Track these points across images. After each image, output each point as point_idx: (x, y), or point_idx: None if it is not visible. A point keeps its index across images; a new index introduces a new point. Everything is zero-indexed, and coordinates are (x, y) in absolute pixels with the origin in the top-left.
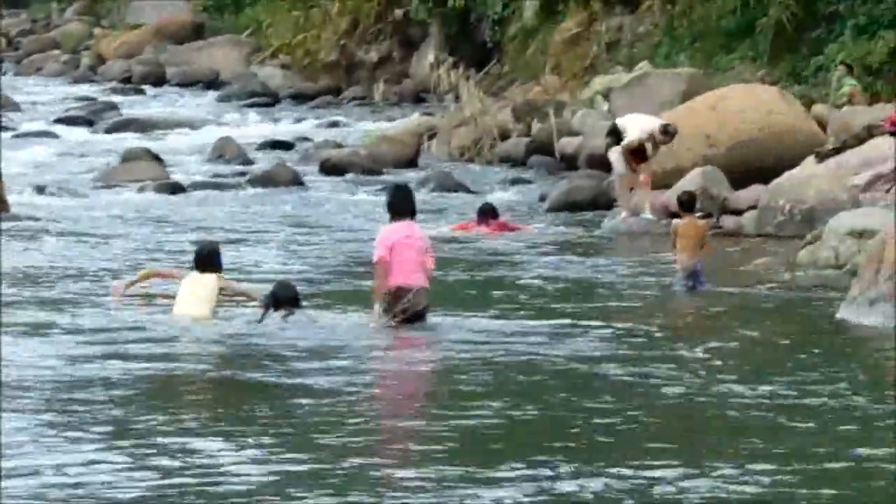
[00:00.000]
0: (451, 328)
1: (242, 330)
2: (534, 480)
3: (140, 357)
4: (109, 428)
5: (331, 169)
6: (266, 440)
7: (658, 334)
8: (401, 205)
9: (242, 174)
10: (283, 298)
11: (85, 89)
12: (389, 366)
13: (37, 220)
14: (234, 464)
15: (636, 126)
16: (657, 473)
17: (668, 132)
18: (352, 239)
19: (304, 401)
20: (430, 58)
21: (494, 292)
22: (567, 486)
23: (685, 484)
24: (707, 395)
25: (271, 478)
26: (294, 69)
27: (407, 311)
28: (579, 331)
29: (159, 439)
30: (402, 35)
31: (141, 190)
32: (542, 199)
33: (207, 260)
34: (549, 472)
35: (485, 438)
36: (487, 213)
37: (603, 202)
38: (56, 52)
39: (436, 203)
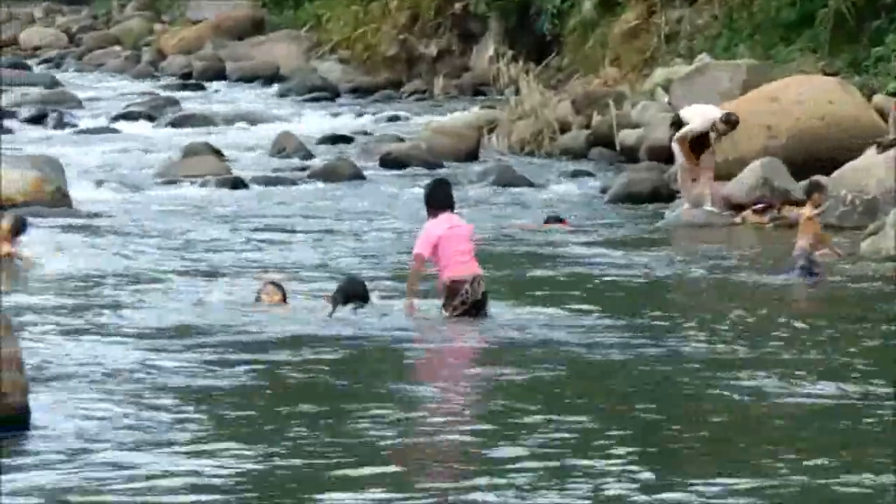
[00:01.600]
0: (518, 321)
1: (317, 326)
2: (605, 485)
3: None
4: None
5: (391, 163)
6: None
7: (724, 330)
8: (440, 199)
9: (303, 168)
10: (352, 293)
11: (145, 85)
12: (458, 359)
13: (98, 215)
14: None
15: (698, 115)
16: (726, 482)
17: (729, 121)
18: (413, 232)
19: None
20: (490, 51)
21: (560, 288)
22: (639, 495)
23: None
24: (765, 398)
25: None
26: (354, 63)
27: (466, 304)
28: (649, 328)
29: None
30: (462, 28)
31: (202, 185)
32: (603, 191)
33: None
34: (624, 476)
35: (566, 441)
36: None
37: (663, 194)
38: (117, 48)
39: (496, 196)
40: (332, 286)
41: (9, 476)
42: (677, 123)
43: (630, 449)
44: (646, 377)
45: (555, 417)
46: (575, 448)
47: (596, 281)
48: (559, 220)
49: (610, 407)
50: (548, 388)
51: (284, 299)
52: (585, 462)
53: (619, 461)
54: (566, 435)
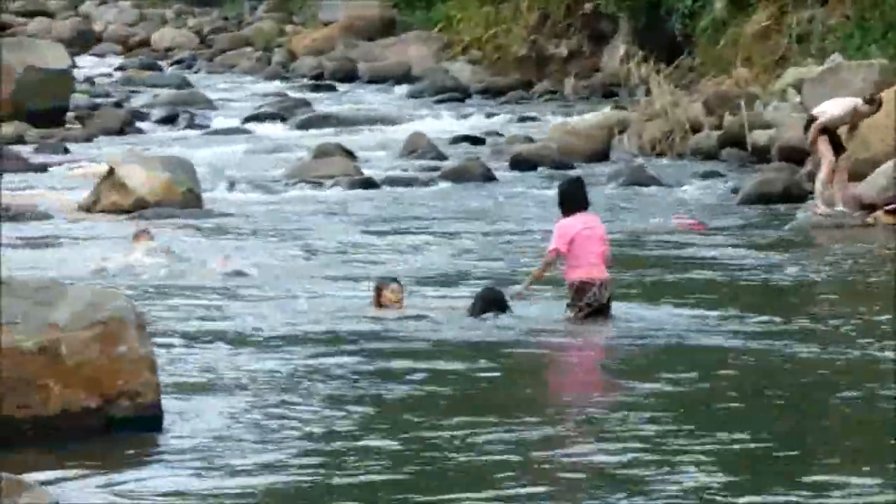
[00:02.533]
0: (654, 325)
1: (454, 333)
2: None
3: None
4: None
5: (522, 163)
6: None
7: (862, 333)
8: (575, 199)
9: (434, 169)
10: (491, 301)
11: (277, 86)
12: (601, 368)
13: (229, 216)
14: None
15: (836, 104)
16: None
17: (873, 101)
18: (544, 234)
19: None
20: (621, 51)
21: (695, 290)
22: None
23: None
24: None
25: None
26: (484, 64)
27: (591, 307)
28: (786, 330)
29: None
30: (592, 29)
31: (333, 186)
32: (735, 191)
33: None
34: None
35: (703, 454)
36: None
37: (795, 194)
38: (248, 49)
39: (627, 197)
40: (461, 289)
41: (141, 476)
42: (812, 122)
43: (770, 462)
44: (786, 383)
45: (691, 428)
46: (713, 460)
47: (730, 282)
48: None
49: (750, 417)
50: (687, 395)
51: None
52: (726, 478)
53: (758, 475)
54: (703, 447)
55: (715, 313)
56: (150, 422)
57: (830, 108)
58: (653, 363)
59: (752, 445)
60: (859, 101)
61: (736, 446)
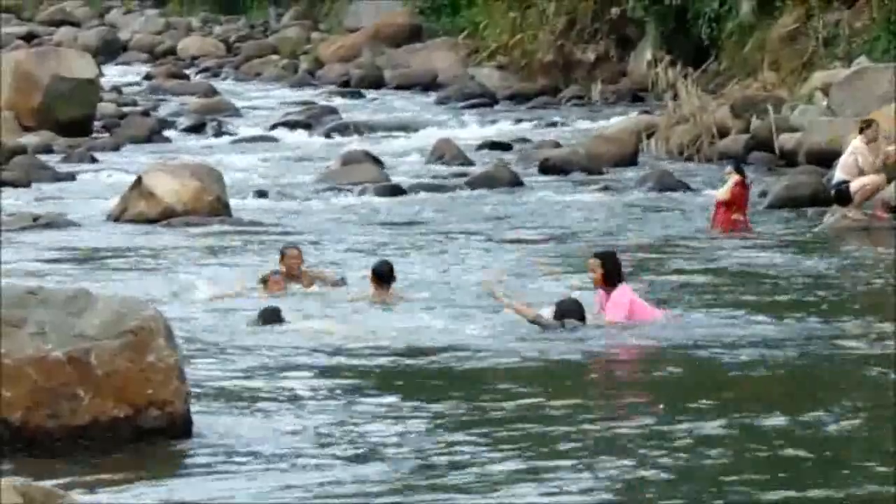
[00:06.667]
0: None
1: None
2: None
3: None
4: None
5: (550, 169)
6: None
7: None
8: (618, 271)
9: (462, 175)
10: (569, 312)
11: (303, 93)
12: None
13: (258, 224)
14: None
15: (848, 163)
16: None
17: (867, 125)
18: (574, 240)
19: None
20: (648, 56)
21: (733, 293)
22: None
23: None
24: None
25: None
26: (511, 70)
27: None
28: (824, 334)
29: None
30: (619, 34)
31: (361, 192)
32: (763, 195)
33: None
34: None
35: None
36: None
37: (823, 198)
38: (274, 56)
39: (656, 201)
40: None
41: (171, 485)
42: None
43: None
44: (836, 385)
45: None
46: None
47: (765, 285)
48: (740, 169)
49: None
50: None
51: None
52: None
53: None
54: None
55: (755, 319)
56: (179, 429)
57: (852, 171)
58: (694, 366)
59: None
60: (856, 141)
61: None
